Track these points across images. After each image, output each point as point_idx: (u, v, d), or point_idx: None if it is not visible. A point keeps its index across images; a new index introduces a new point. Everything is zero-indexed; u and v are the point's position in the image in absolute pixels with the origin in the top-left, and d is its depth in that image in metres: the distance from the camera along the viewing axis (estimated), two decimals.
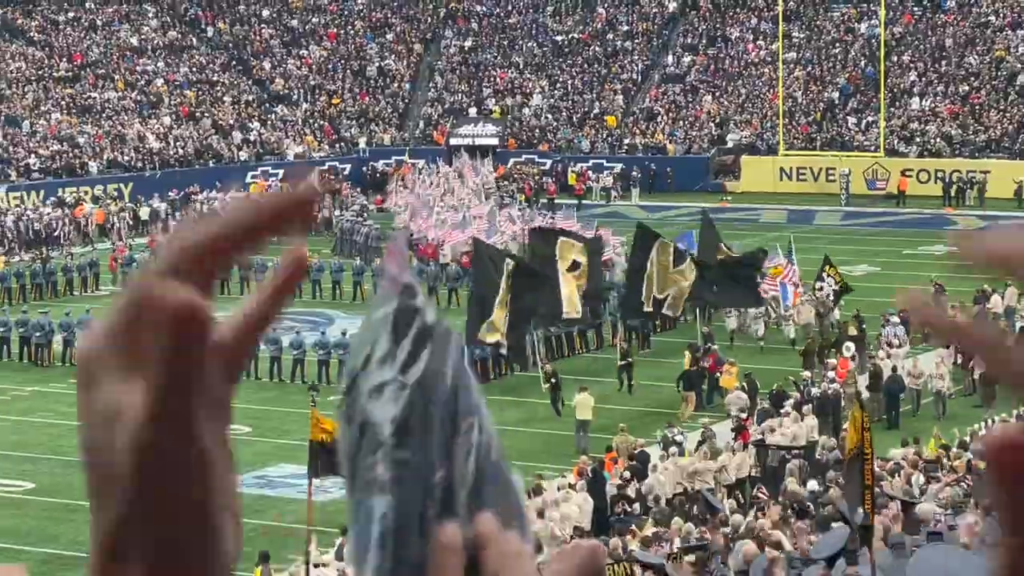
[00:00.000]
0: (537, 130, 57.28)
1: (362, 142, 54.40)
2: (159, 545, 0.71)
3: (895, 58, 54.05)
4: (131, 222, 44.29)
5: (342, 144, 54.97)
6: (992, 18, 62.25)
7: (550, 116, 58.09)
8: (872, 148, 51.14)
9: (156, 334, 0.69)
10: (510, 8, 65.96)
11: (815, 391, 36.62)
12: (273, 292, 0.86)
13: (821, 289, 38.47)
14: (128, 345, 0.75)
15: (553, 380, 35.64)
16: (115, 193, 48.87)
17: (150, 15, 61.62)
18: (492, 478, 1.11)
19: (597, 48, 64.21)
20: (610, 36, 66.36)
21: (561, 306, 38.20)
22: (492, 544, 0.81)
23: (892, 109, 53.40)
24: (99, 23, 60.77)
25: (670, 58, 62.88)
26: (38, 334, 40.12)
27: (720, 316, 44.72)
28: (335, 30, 63.45)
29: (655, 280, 37.22)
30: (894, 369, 36.28)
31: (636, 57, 62.89)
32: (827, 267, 38.71)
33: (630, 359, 36.93)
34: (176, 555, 0.71)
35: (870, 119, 53.18)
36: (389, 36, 62.04)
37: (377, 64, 58.96)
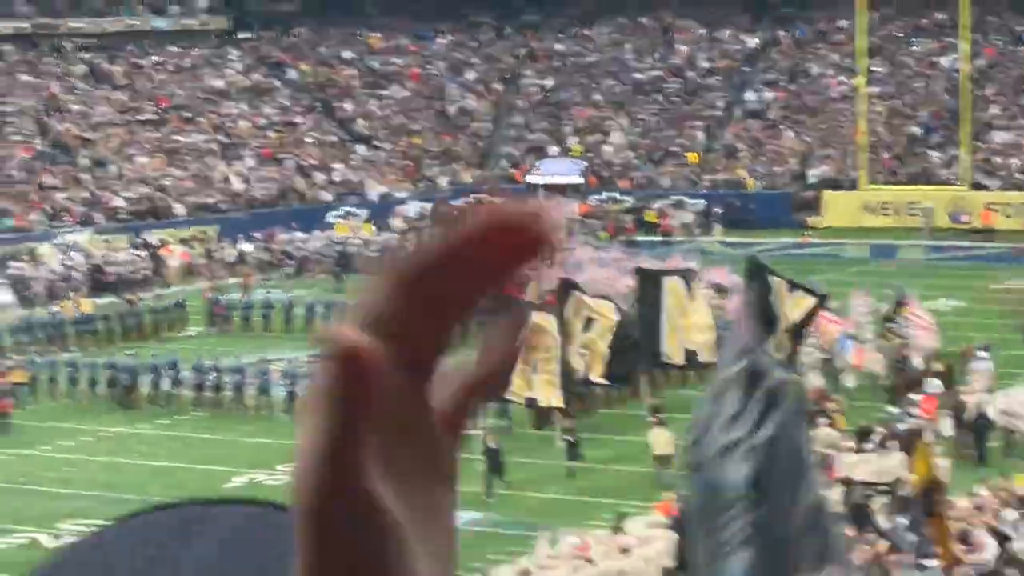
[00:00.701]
0: (618, 168, 57.61)
1: (444, 181, 56.30)
2: None
3: (977, 92, 53.92)
4: (218, 263, 46.22)
5: (424, 183, 56.09)
6: None
7: (631, 153, 57.88)
8: (955, 182, 51.60)
9: (325, 377, 0.63)
10: (590, 47, 64.79)
11: (901, 426, 35.46)
12: (499, 357, 0.75)
13: (892, 330, 37.73)
14: (313, 389, 0.68)
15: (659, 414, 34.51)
16: (202, 235, 50.55)
17: (233, 58, 62.39)
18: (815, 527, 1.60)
19: (677, 85, 65.19)
20: (691, 73, 66.78)
21: (661, 347, 37.54)
22: None
23: (975, 143, 53.32)
24: (184, 66, 62.07)
25: (750, 94, 63.37)
26: (125, 376, 39.50)
27: None
28: (417, 70, 64.27)
29: (676, 327, 37.25)
30: (978, 405, 35.41)
31: (716, 93, 63.92)
32: (899, 307, 38.17)
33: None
34: None
35: (953, 153, 53.29)
36: (470, 76, 63.67)
37: (458, 104, 60.54)
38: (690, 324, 37.86)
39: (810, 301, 37.60)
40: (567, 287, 35.99)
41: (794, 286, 36.23)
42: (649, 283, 39.83)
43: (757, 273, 36.99)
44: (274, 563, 1.03)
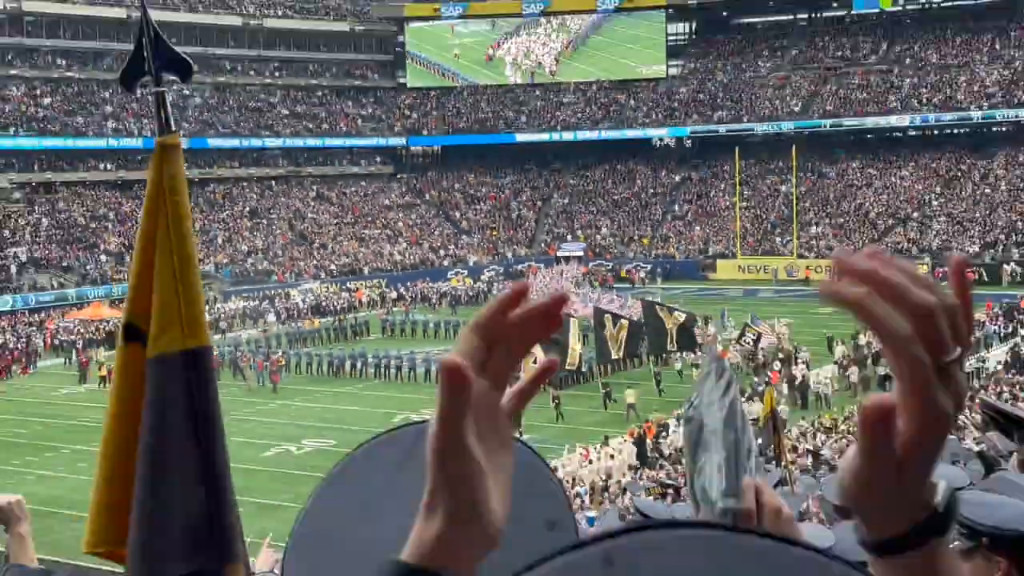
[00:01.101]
0: (604, 246, 63.35)
1: (509, 254, 64.28)
2: (449, 509, 0.84)
3: (800, 205, 61.55)
4: (387, 301, 53.81)
5: (499, 256, 64.21)
6: (854, 178, 63.40)
7: (612, 239, 64.00)
8: (788, 255, 58.09)
9: (445, 381, 0.81)
10: (589, 181, 70.19)
11: (759, 388, 34.65)
12: (528, 384, 0.95)
13: (745, 344, 39.42)
14: (440, 385, 0.87)
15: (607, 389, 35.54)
16: (378, 285, 57.20)
17: (395, 188, 70.39)
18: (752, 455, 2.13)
19: (635, 203, 68.31)
20: (642, 196, 69.60)
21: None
22: (766, 495, 1.11)
23: (800, 233, 59.10)
24: (369, 192, 68.88)
25: (676, 207, 67.40)
26: (336, 360, 41.10)
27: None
28: (494, 194, 70.88)
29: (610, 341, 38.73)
30: (803, 376, 37.50)
31: (658, 208, 67.68)
32: (747, 327, 40.30)
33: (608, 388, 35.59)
34: (457, 516, 0.82)
35: (788, 239, 58.78)
36: (522, 197, 70.59)
37: (517, 212, 69.07)
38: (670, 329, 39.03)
39: (683, 317, 41.45)
40: (599, 312, 40.11)
41: (671, 310, 41.17)
42: (603, 315, 41.28)
43: (650, 306, 41.47)
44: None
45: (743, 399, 23.90)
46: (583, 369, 35.91)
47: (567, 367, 35.08)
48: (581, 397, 33.10)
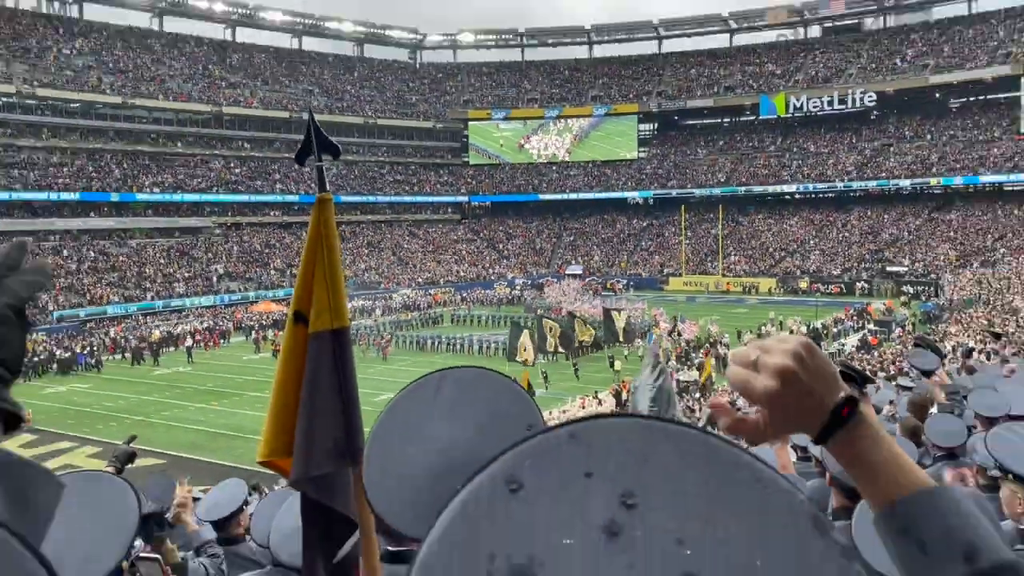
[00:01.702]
0: (596, 267, 59.99)
1: (534, 272, 60.86)
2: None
3: (724, 242, 59.54)
4: (451, 302, 50.94)
5: (526, 273, 61.18)
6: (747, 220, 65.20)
7: (601, 263, 61.43)
8: (717, 274, 55.64)
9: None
10: (587, 226, 67.57)
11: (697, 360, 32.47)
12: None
13: (675, 336, 36.63)
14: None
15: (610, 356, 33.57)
16: (447, 292, 55.44)
17: (460, 230, 67.90)
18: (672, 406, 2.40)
19: (617, 240, 65.35)
20: (623, 235, 66.96)
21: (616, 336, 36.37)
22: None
23: (725, 260, 57.95)
24: (442, 233, 66.04)
25: (643, 243, 64.62)
26: (430, 341, 38.17)
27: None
28: (524, 232, 67.08)
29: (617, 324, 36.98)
30: (724, 355, 31.37)
31: (629, 244, 64.89)
32: (676, 323, 38.48)
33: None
34: None
35: (716, 264, 56.59)
36: (543, 235, 65.78)
37: (539, 245, 64.69)
38: (619, 328, 36.03)
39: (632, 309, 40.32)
40: (606, 310, 38.40)
41: (619, 311, 38.70)
42: (610, 312, 38.89)
43: (608, 314, 37.36)
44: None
45: (687, 367, 29.41)
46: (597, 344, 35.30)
47: (582, 341, 34.52)
48: (593, 362, 32.56)
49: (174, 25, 65.13)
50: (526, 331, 32.81)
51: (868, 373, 7.30)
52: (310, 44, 72.60)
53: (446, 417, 1.15)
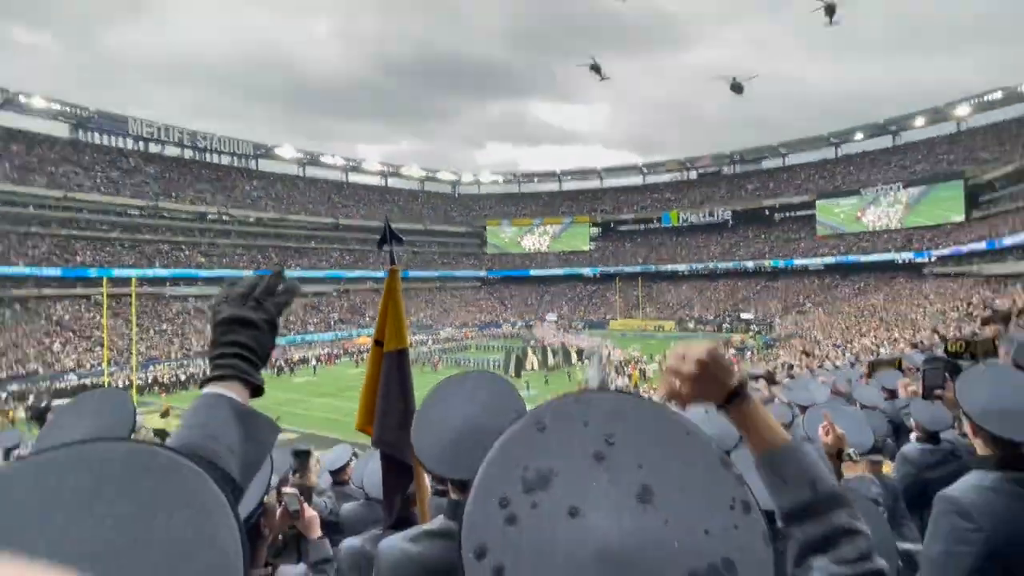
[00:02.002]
0: (563, 316, 55.88)
1: (526, 318, 57.42)
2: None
3: (643, 299, 57.79)
4: (484, 335, 48.18)
5: (523, 319, 57.67)
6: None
7: (567, 313, 58.20)
8: (641, 319, 53.39)
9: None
10: (557, 289, 64.61)
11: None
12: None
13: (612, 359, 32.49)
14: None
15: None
16: (473, 329, 52.90)
17: (481, 292, 64.67)
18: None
19: (578, 299, 62.64)
20: (585, 294, 64.63)
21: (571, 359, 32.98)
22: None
23: (644, 312, 55.97)
24: (469, 293, 63.18)
25: (593, 300, 61.35)
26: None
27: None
28: (520, 295, 64.24)
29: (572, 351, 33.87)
30: (644, 370, 29.52)
31: (585, 300, 61.90)
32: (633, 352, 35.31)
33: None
34: None
35: (638, 313, 54.95)
36: (531, 296, 63.36)
37: (529, 302, 61.31)
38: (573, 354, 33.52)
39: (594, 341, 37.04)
40: (563, 344, 35.77)
41: (572, 345, 36.01)
42: (566, 345, 37.23)
43: (564, 346, 37.40)
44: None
45: (619, 377, 25.44)
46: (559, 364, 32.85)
47: (550, 365, 32.18)
48: (556, 376, 29.66)
49: (311, 171, 66.34)
50: (514, 355, 31.11)
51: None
52: (392, 182, 73.08)
53: (467, 400, 1.11)
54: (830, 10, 32.91)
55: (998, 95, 45.02)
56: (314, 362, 36.07)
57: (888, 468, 2.53)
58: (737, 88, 39.25)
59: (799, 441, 0.75)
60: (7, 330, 31.47)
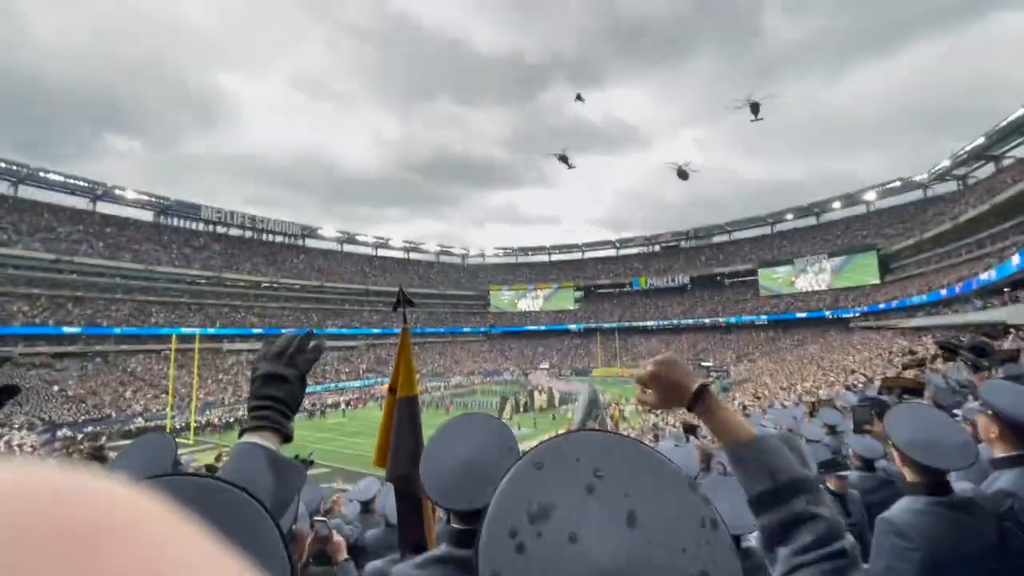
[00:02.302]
0: (554, 365, 54.85)
1: (522, 368, 55.50)
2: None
3: (611, 353, 55.93)
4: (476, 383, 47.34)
5: (521, 368, 55.42)
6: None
7: (556, 362, 56.81)
8: (619, 366, 51.74)
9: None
10: (548, 342, 63.55)
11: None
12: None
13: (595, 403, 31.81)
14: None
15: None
16: (479, 378, 52.06)
17: (484, 346, 63.41)
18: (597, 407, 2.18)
19: (568, 349, 62.01)
20: (572, 346, 62.87)
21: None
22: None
23: (622, 361, 53.89)
24: (474, 347, 62.16)
25: (580, 351, 60.45)
26: None
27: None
28: (518, 349, 62.41)
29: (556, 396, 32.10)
30: (623, 411, 27.90)
31: (572, 351, 60.85)
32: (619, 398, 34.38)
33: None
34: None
35: (616, 362, 52.93)
36: (527, 349, 61.32)
37: (524, 354, 59.14)
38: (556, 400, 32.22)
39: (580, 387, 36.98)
40: (550, 388, 34.39)
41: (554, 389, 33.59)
42: (552, 391, 36.15)
43: (551, 391, 35.68)
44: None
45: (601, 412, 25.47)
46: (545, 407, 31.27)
47: (539, 407, 30.70)
48: (544, 419, 28.04)
49: (348, 247, 66.80)
50: (509, 400, 29.55)
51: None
52: (413, 255, 73.50)
53: (467, 437, 1.05)
54: (754, 108, 33.06)
55: (897, 183, 46.59)
56: (343, 406, 35.22)
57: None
58: (683, 175, 38.00)
59: (763, 435, 0.70)
60: (89, 379, 31.58)
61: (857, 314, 42.34)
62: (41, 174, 39.30)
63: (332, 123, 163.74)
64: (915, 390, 3.88)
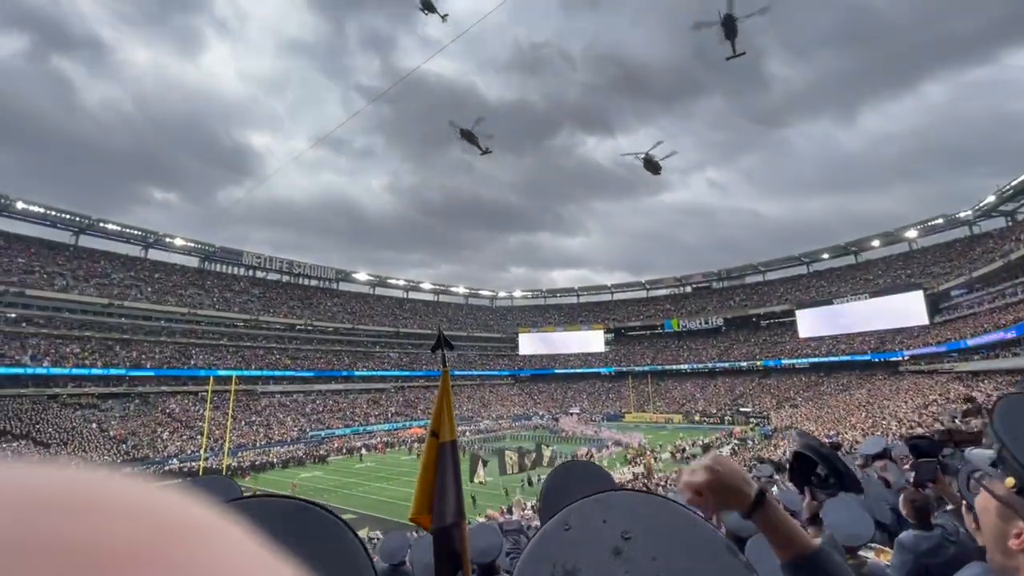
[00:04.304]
0: (584, 410, 53.68)
1: (553, 411, 54.59)
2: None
3: (652, 395, 55.27)
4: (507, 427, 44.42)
5: (550, 412, 54.03)
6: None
7: (588, 406, 55.56)
8: (652, 411, 50.41)
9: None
10: (579, 386, 62.22)
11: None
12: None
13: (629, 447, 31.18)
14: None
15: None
16: (508, 423, 49.80)
17: (513, 388, 62.30)
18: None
19: (598, 390, 59.53)
20: (598, 391, 61.58)
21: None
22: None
23: (655, 405, 52.73)
24: (503, 389, 62.27)
25: (609, 395, 58.61)
26: None
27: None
28: (547, 391, 61.52)
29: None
30: (657, 458, 26.92)
31: (602, 395, 58.74)
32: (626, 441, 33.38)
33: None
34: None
35: (649, 406, 51.72)
36: (557, 392, 60.32)
37: (554, 397, 58.02)
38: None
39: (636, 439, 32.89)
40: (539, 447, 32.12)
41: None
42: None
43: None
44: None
45: (632, 465, 22.77)
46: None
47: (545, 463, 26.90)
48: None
49: (380, 291, 68.30)
50: (510, 453, 27.15)
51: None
52: (442, 298, 74.41)
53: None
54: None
55: (940, 221, 45.66)
56: (363, 450, 34.83)
57: (887, 557, 2.34)
58: (653, 167, 30.10)
59: (826, 549, 0.67)
60: (130, 420, 32.26)
61: (906, 357, 40.84)
62: (100, 224, 41.80)
63: (354, 172, 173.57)
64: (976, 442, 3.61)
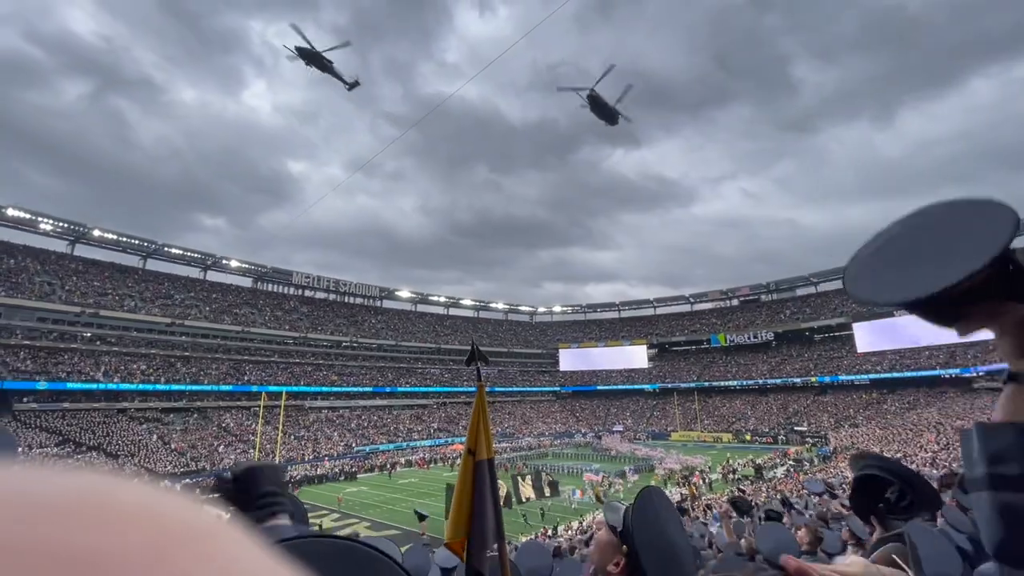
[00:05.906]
0: (628, 427, 52.17)
1: (596, 429, 53.23)
2: None
3: (701, 412, 52.92)
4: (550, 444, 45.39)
5: (592, 430, 52.76)
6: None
7: (631, 424, 54.10)
8: (700, 431, 48.59)
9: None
10: (622, 403, 60.51)
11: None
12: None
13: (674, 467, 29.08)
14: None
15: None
16: (550, 440, 49.13)
17: (555, 405, 62.06)
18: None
19: (640, 406, 57.97)
20: (641, 408, 59.07)
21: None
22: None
23: (702, 424, 50.80)
24: (544, 405, 61.23)
25: (655, 413, 56.17)
26: None
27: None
28: (589, 408, 60.54)
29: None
30: (708, 479, 25.63)
31: (646, 412, 56.74)
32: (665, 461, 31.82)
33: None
34: None
35: (696, 424, 49.83)
36: (600, 409, 59.22)
37: (597, 414, 57.07)
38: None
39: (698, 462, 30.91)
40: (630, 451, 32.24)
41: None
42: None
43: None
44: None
45: (679, 487, 20.92)
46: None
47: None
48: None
49: (422, 307, 69.54)
50: (514, 478, 24.31)
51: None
52: (482, 314, 75.10)
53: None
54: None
55: None
56: (389, 467, 34.58)
57: None
58: (605, 112, 23.33)
59: None
60: (190, 433, 33.58)
61: (981, 372, 39.48)
62: (166, 248, 44.13)
63: (386, 194, 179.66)
64: None
